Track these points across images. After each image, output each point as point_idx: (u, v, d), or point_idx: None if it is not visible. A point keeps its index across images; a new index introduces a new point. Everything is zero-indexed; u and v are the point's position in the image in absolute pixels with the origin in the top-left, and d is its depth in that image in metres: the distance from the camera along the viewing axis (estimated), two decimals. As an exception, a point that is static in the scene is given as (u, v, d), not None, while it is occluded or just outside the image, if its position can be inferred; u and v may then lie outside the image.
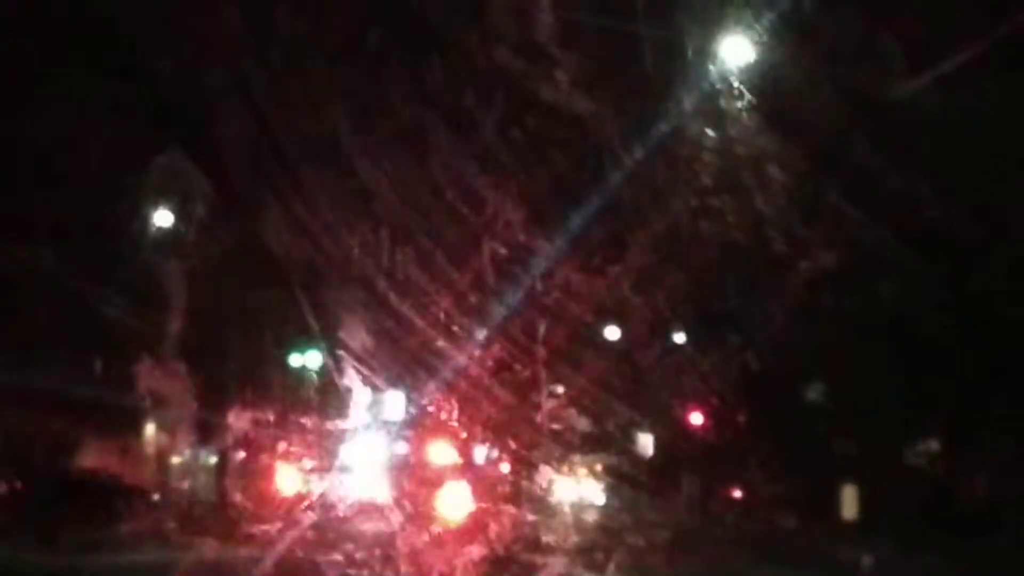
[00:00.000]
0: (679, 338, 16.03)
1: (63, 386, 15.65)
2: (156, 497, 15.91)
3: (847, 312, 15.16)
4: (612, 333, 15.92)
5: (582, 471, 15.61)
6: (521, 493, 15.12)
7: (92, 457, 17.18)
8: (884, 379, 15.53)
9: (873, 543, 14.80)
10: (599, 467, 15.51)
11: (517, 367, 14.44)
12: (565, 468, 15.56)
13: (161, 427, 16.59)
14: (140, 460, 17.35)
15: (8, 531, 15.51)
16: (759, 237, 13.91)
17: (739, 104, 13.45)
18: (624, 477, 15.42)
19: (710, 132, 13.77)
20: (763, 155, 13.53)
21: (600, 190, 13.72)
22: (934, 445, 17.45)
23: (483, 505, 14.49)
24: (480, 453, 16.11)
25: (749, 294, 15.08)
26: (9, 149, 14.65)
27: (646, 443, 16.78)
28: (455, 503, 14.64)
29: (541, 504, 15.35)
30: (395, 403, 15.29)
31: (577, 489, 15.92)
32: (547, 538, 14.49)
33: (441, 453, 15.33)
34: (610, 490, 15.45)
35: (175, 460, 16.08)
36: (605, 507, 15.34)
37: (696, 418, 16.82)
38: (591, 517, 15.53)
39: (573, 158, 14.06)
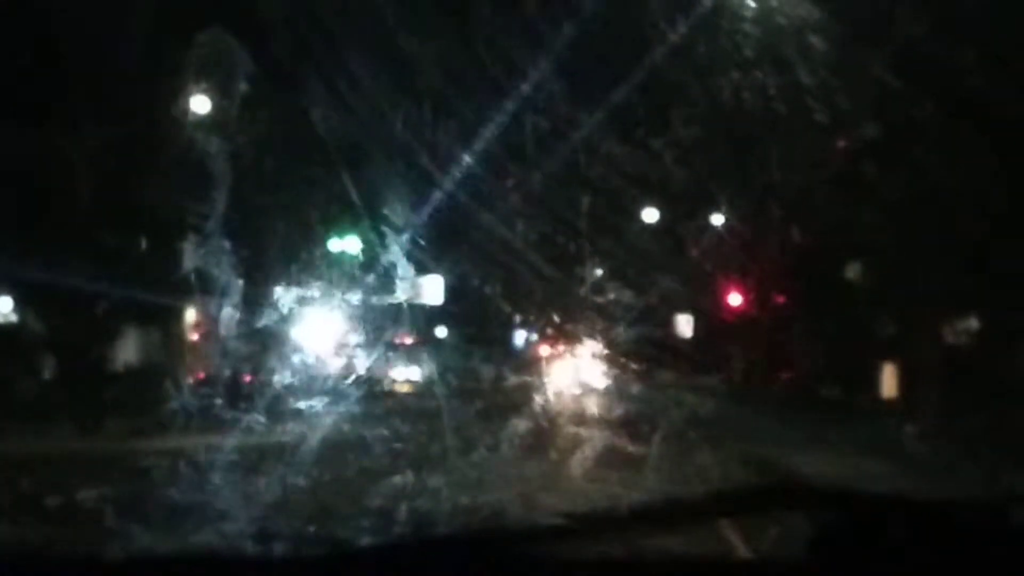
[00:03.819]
0: (721, 215, 16.04)
1: (106, 272, 15.72)
2: (200, 380, 15.95)
3: (888, 185, 15.13)
4: (651, 215, 15.94)
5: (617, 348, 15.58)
6: (564, 370, 15.20)
7: (135, 343, 17.30)
8: (924, 256, 15.53)
9: (912, 420, 14.85)
10: (638, 343, 15.47)
11: (560, 239, 14.49)
12: (605, 344, 15.56)
13: (204, 310, 16.65)
14: (184, 343, 17.46)
15: (52, 420, 15.66)
16: (801, 109, 13.85)
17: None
18: (667, 351, 15.43)
19: (751, 3, 13.69)
20: (805, 25, 13.45)
21: (642, 63, 13.67)
22: (974, 323, 17.48)
23: (525, 380, 14.61)
24: (520, 335, 16.16)
25: (791, 167, 15.06)
26: (49, 31, 14.68)
27: (687, 322, 16.85)
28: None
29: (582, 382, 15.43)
30: (436, 283, 15.33)
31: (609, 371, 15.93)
32: (591, 412, 14.59)
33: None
34: (650, 367, 15.45)
35: (219, 343, 16.09)
36: (647, 385, 15.35)
37: (735, 298, 16.86)
38: (634, 391, 15.55)
39: (614, 31, 13.99)
